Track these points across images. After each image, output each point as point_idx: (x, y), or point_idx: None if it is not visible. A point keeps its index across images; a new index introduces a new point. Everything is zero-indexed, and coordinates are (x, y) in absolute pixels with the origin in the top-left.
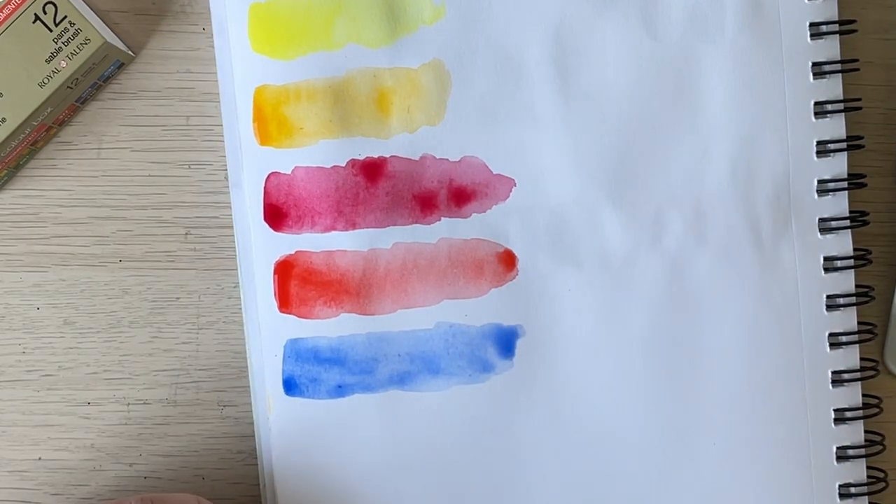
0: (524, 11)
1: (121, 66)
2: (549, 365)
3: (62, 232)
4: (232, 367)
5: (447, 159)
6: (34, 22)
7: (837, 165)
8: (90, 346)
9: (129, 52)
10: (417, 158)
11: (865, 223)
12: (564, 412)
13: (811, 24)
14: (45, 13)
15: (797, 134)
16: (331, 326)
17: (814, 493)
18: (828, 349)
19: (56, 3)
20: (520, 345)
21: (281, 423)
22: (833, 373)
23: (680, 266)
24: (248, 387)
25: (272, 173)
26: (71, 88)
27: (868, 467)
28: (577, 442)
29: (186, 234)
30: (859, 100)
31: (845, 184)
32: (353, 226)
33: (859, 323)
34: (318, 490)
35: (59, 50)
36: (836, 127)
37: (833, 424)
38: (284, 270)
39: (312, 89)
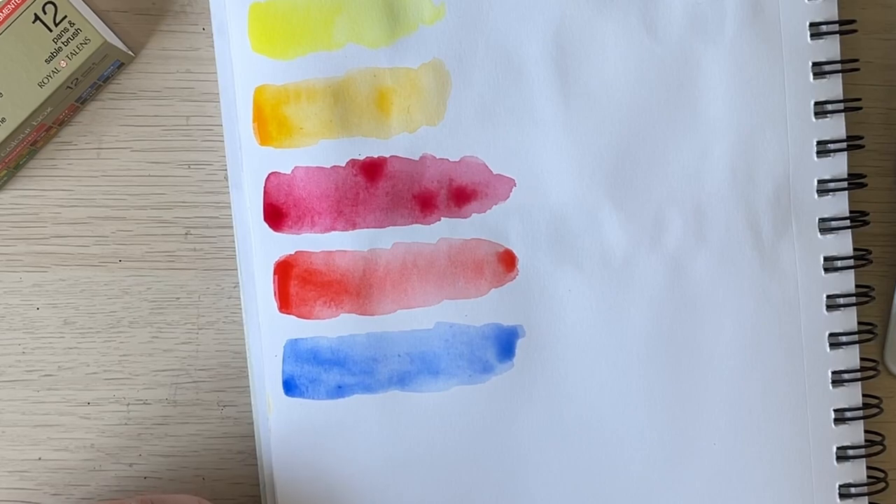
0: (524, 11)
1: (121, 66)
2: (549, 365)
3: (62, 232)
4: (232, 367)
5: (447, 159)
6: (34, 22)
7: (837, 165)
8: (90, 346)
9: (129, 52)
10: (417, 158)
11: (865, 223)
12: (565, 412)
13: (811, 24)
14: (44, 13)
15: (797, 134)
16: (331, 327)
17: (814, 493)
18: (828, 349)
19: (56, 3)
20: (520, 345)
21: (281, 423)
22: (833, 373)
23: (680, 266)
24: (248, 387)
25: (272, 173)
26: (71, 88)
27: (868, 467)
28: (578, 442)
29: (186, 234)
30: (859, 100)
31: (845, 184)
32: (353, 226)
33: (859, 323)
34: (317, 490)
35: (59, 50)
36: (836, 127)
37: (833, 424)
38: (284, 271)
39: (312, 89)
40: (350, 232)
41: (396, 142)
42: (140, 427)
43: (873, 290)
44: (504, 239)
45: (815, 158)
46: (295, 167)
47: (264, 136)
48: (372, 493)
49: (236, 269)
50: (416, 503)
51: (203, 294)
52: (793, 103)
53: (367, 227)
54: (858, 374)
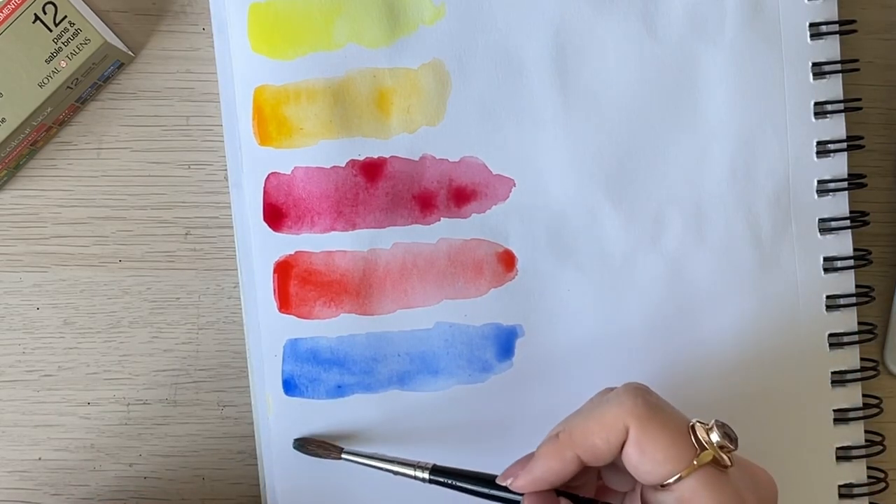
0: (524, 11)
1: (121, 66)
2: (548, 365)
3: (62, 232)
4: (232, 367)
5: (447, 159)
6: (34, 22)
7: (837, 165)
8: (90, 346)
9: (129, 52)
10: (417, 159)
11: (865, 223)
12: (564, 412)
13: (811, 25)
14: (45, 13)
15: (797, 134)
16: (330, 326)
17: (814, 493)
18: (828, 349)
19: (56, 3)
20: (519, 345)
21: (281, 423)
22: (833, 373)
23: (679, 266)
24: (248, 387)
25: (272, 173)
26: (71, 88)
27: (868, 467)
28: None
29: (186, 234)
30: (859, 100)
31: (845, 184)
32: (353, 226)
33: (859, 323)
34: (317, 490)
35: (59, 50)
36: (836, 127)
37: (833, 424)
38: (284, 270)
39: (312, 89)
40: (350, 232)
41: (396, 142)
42: (140, 427)
43: (873, 290)
44: (503, 239)
45: (815, 158)
46: (295, 167)
47: (264, 136)
48: (372, 493)
49: (236, 269)
50: (415, 502)
51: (203, 294)
52: (793, 103)
53: (367, 228)
54: (858, 374)
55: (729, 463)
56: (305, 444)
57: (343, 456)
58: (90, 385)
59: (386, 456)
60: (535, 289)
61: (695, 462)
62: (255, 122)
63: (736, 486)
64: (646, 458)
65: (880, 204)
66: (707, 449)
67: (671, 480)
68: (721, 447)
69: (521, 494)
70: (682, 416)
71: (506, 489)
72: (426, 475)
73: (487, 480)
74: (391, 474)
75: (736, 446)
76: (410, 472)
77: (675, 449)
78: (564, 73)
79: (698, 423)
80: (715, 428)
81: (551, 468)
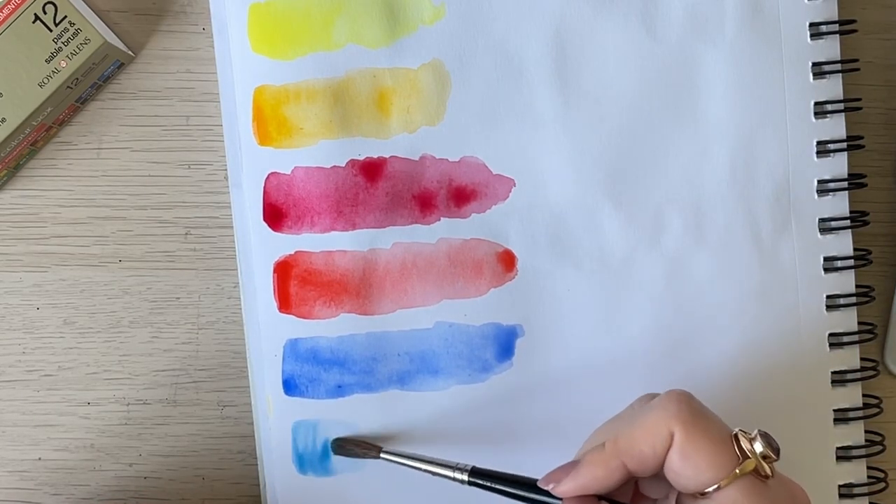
0: (524, 12)
1: (121, 66)
2: (548, 365)
3: (62, 232)
4: (232, 367)
5: (447, 159)
6: (34, 22)
7: (837, 165)
8: (90, 346)
9: (129, 52)
10: (417, 158)
11: (865, 223)
12: (563, 412)
13: (811, 24)
14: (45, 13)
15: (797, 134)
16: (330, 326)
17: (814, 493)
18: (828, 349)
19: (56, 3)
20: (519, 344)
21: (281, 423)
22: (833, 373)
23: (679, 266)
24: (248, 387)
25: (272, 173)
26: (71, 88)
27: (868, 467)
28: (577, 441)
29: (186, 234)
30: (859, 100)
31: (845, 184)
32: (353, 226)
33: (859, 323)
34: (318, 490)
35: (59, 50)
36: (836, 127)
37: (833, 424)
38: (284, 270)
39: (312, 90)
40: (350, 232)
41: (396, 142)
42: (140, 427)
43: (873, 290)
44: (503, 239)
45: (815, 158)
46: (295, 167)
47: (264, 137)
48: (372, 493)
49: (236, 269)
50: (415, 502)
51: (203, 294)
52: (793, 103)
53: (367, 228)
54: (858, 374)
55: (770, 473)
56: (344, 444)
57: (382, 455)
58: (90, 385)
59: (424, 457)
60: (535, 289)
61: (737, 471)
62: (255, 122)
63: (775, 499)
64: (688, 464)
65: (880, 204)
66: (749, 458)
67: (711, 489)
68: (764, 457)
69: (561, 499)
70: (725, 425)
71: (546, 493)
72: (465, 477)
73: (527, 484)
74: (429, 475)
75: (778, 456)
76: (449, 473)
77: (718, 456)
78: (564, 73)
79: (741, 433)
80: (758, 437)
81: (596, 476)
